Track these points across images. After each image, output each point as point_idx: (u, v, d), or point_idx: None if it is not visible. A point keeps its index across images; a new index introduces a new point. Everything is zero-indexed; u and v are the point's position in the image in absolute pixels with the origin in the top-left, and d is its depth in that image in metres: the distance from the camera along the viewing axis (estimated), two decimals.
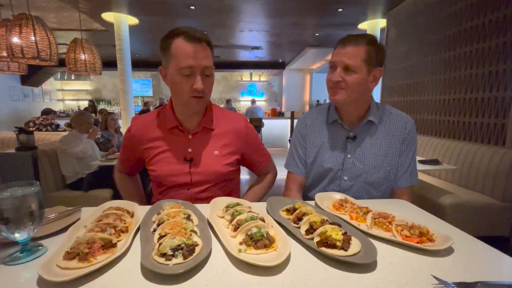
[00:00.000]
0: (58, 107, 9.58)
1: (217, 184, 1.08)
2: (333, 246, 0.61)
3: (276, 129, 8.08)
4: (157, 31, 5.46)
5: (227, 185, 1.12)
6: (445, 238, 0.64)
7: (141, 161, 1.14)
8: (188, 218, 0.76)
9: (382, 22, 4.79)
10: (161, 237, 0.63)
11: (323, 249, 0.61)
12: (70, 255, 0.56)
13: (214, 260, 0.60)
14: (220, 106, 1.22)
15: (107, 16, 4.66)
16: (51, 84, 9.47)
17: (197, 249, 0.60)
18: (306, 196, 1.21)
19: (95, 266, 0.53)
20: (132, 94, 5.16)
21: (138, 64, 8.42)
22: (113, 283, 0.52)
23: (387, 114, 1.09)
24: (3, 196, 0.57)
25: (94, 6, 4.27)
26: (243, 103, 10.88)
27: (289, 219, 0.78)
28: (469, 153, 2.54)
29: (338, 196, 0.96)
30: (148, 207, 0.86)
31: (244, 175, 4.26)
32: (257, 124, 7.16)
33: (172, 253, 0.57)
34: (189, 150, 1.05)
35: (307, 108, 10.07)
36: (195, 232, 0.67)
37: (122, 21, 4.72)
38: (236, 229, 0.69)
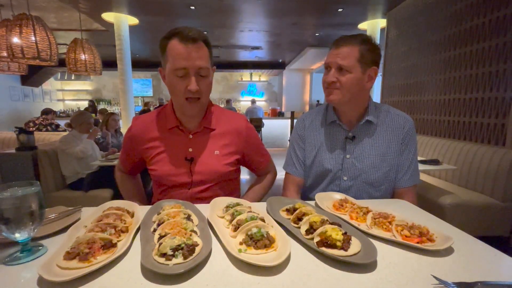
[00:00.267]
0: (58, 107, 9.58)
1: (218, 183, 1.08)
2: (333, 246, 0.61)
3: (276, 129, 8.08)
4: (157, 31, 5.47)
5: (227, 184, 1.12)
6: (445, 238, 0.64)
7: (142, 161, 1.14)
8: (188, 218, 0.76)
9: (382, 22, 4.79)
10: (161, 237, 0.63)
11: (323, 249, 0.61)
12: (70, 255, 0.56)
13: (214, 260, 0.60)
14: (220, 106, 1.22)
15: (107, 16, 4.67)
16: (51, 84, 9.47)
17: (197, 249, 0.60)
18: (306, 197, 1.20)
19: (95, 266, 0.53)
20: (132, 94, 5.17)
21: (138, 64, 8.42)
22: (113, 283, 0.52)
23: (386, 114, 1.09)
24: (4, 196, 0.57)
25: (94, 6, 4.28)
26: (243, 103, 10.88)
27: (289, 219, 0.78)
28: (469, 153, 2.54)
29: (338, 196, 0.96)
30: (148, 207, 0.86)
31: (244, 175, 4.25)
32: (257, 124, 7.16)
33: (172, 253, 0.57)
34: (190, 150, 1.05)
35: (307, 108, 10.07)
36: (195, 232, 0.67)
37: (122, 21, 4.72)
38: (236, 229, 0.69)
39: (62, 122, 5.28)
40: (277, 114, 9.13)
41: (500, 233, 2.27)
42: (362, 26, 5.13)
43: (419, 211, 0.90)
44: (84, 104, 9.45)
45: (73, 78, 9.88)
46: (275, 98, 11.25)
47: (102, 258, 0.57)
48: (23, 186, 0.61)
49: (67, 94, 10.14)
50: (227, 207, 0.84)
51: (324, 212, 0.82)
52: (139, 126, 1.09)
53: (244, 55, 8.45)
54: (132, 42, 5.19)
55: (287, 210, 0.84)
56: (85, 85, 10.21)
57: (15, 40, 2.42)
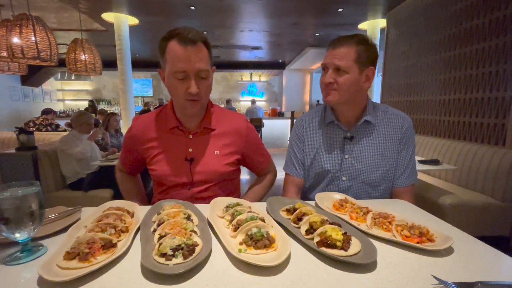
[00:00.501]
0: (58, 107, 9.59)
1: (218, 183, 1.08)
2: (333, 246, 0.61)
3: (276, 129, 8.08)
4: (157, 31, 5.47)
5: (227, 184, 1.12)
6: (445, 238, 0.64)
7: (142, 161, 1.14)
8: (188, 218, 0.76)
9: (382, 22, 4.79)
10: (161, 237, 0.63)
11: (323, 249, 0.61)
12: (70, 255, 0.56)
13: (214, 260, 0.60)
14: (220, 106, 1.22)
15: (107, 16, 4.67)
16: (51, 84, 9.47)
17: (197, 249, 0.60)
18: (306, 197, 1.20)
19: (95, 266, 0.54)
20: (132, 94, 5.16)
21: (138, 64, 8.42)
22: (113, 283, 0.52)
23: (384, 114, 1.09)
24: (4, 196, 0.57)
25: (94, 6, 4.28)
26: (243, 103, 10.88)
27: (289, 219, 0.78)
28: (469, 153, 2.54)
29: (338, 196, 0.96)
30: (148, 207, 0.86)
31: (244, 175, 4.26)
32: (257, 124, 7.17)
33: (172, 253, 0.57)
34: (190, 150, 1.05)
35: (307, 108, 10.07)
36: (195, 232, 0.67)
37: (122, 21, 4.72)
38: (236, 229, 0.69)
39: (62, 122, 5.29)
40: (277, 114, 9.13)
41: (500, 233, 2.27)
42: (362, 26, 5.13)
43: (419, 211, 0.90)
44: (84, 104, 9.46)
45: (73, 78, 9.88)
46: (275, 98, 11.25)
47: (102, 258, 0.57)
48: (23, 186, 0.61)
49: (67, 94, 10.14)
50: (227, 207, 0.84)
51: (324, 212, 0.82)
52: (139, 126, 1.09)
53: (244, 55, 8.45)
54: (132, 42, 5.19)
55: (287, 210, 0.84)
56: (85, 85, 10.21)
57: (15, 40, 2.42)
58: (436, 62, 3.21)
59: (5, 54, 2.63)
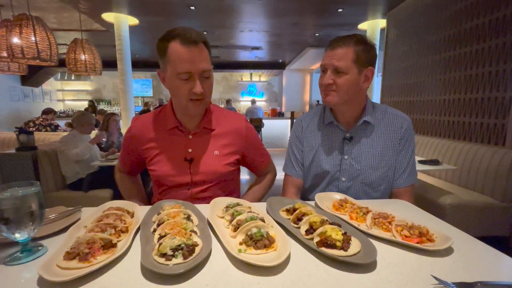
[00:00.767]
0: (58, 107, 9.58)
1: (217, 184, 1.08)
2: (333, 246, 0.61)
3: (276, 129, 8.08)
4: (157, 31, 5.47)
5: (227, 185, 1.12)
6: (445, 238, 0.64)
7: (141, 162, 1.14)
8: (188, 218, 0.76)
9: (382, 22, 4.79)
10: (161, 237, 0.63)
11: (323, 249, 0.61)
12: (70, 255, 0.56)
13: (214, 260, 0.60)
14: (220, 106, 1.22)
15: (107, 16, 4.67)
16: (51, 84, 9.47)
17: (197, 249, 0.60)
18: (305, 198, 1.20)
19: (95, 266, 0.54)
20: (132, 94, 5.16)
21: (138, 64, 8.43)
22: (113, 283, 0.52)
23: (383, 114, 1.09)
24: (4, 196, 0.57)
25: (94, 7, 4.28)
26: (243, 103, 10.88)
27: (289, 219, 0.78)
28: (469, 153, 2.54)
29: (338, 196, 0.96)
30: (148, 207, 0.86)
31: (244, 175, 4.26)
32: (257, 124, 7.16)
33: (172, 253, 0.57)
34: (189, 150, 1.05)
35: (307, 108, 10.07)
36: (195, 232, 0.68)
37: (122, 21, 4.72)
38: (236, 229, 0.69)
39: (62, 123, 5.29)
40: (277, 114, 9.13)
41: (500, 233, 2.27)
42: (362, 26, 5.13)
43: (419, 211, 0.90)
44: (84, 104, 9.45)
45: (73, 78, 9.88)
46: (275, 98, 11.25)
47: (102, 258, 0.57)
48: (23, 186, 0.61)
49: (67, 94, 10.14)
50: (227, 207, 0.84)
51: (324, 212, 0.82)
52: (139, 127, 1.09)
53: (244, 55, 8.45)
54: (132, 42, 5.19)
55: (287, 210, 0.84)
56: (85, 85, 10.21)
57: (15, 40, 2.42)
58: (436, 62, 3.21)
59: (5, 54, 2.63)
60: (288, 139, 1.26)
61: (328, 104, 1.05)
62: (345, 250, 0.60)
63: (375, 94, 5.70)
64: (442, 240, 0.64)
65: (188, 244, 0.59)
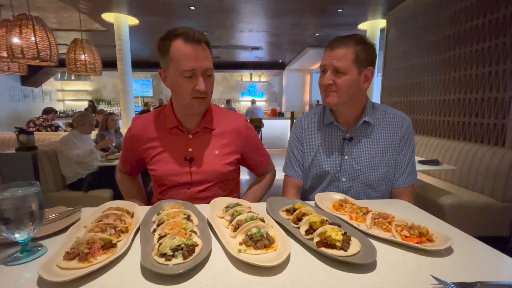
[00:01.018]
0: (58, 107, 9.57)
1: (217, 183, 1.08)
2: (333, 246, 0.61)
3: (276, 129, 8.08)
4: (157, 31, 5.47)
5: (227, 184, 1.12)
6: (445, 238, 0.64)
7: (142, 161, 1.14)
8: (188, 218, 0.76)
9: (382, 23, 4.79)
10: (161, 237, 0.63)
11: (323, 249, 0.61)
12: (70, 255, 0.56)
13: (214, 260, 0.60)
14: (220, 106, 1.22)
15: (107, 16, 4.67)
16: (51, 84, 9.47)
17: (197, 249, 0.60)
18: (305, 199, 1.20)
19: (95, 266, 0.54)
20: (132, 95, 5.16)
21: (138, 64, 8.42)
22: (113, 283, 0.52)
23: (383, 114, 1.09)
24: (3, 196, 0.57)
25: (94, 7, 4.28)
26: (243, 103, 10.88)
27: (289, 219, 0.78)
28: (469, 153, 2.54)
29: (337, 196, 0.96)
30: (148, 207, 0.86)
31: (244, 175, 4.26)
32: (257, 124, 7.16)
33: (172, 253, 0.57)
34: (190, 149, 1.05)
35: (307, 108, 10.07)
36: (195, 232, 0.68)
37: (122, 21, 4.72)
38: (236, 229, 0.69)
39: (61, 123, 5.28)
40: (277, 114, 9.13)
41: (500, 233, 2.27)
42: (362, 26, 5.13)
43: (418, 211, 0.90)
44: (84, 104, 9.45)
45: (73, 78, 9.87)
46: (275, 98, 11.25)
47: (102, 258, 0.57)
48: (23, 186, 0.61)
49: (67, 94, 10.14)
50: (227, 207, 0.84)
51: (324, 212, 0.82)
52: (139, 127, 1.10)
53: (244, 56, 8.45)
54: (132, 42, 5.19)
55: (287, 211, 0.84)
56: (85, 85, 10.21)
57: (15, 40, 2.42)
58: (436, 62, 3.21)
59: (5, 54, 2.63)
60: (288, 139, 1.26)
61: (328, 105, 1.05)
62: (345, 250, 0.60)
63: (375, 94, 5.70)
64: (442, 240, 0.64)
65: (188, 244, 0.59)
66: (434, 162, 2.40)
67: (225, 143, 1.08)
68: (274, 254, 0.61)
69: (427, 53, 3.36)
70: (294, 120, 1.51)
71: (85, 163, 2.73)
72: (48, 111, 4.91)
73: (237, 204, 0.84)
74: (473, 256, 0.61)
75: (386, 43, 4.27)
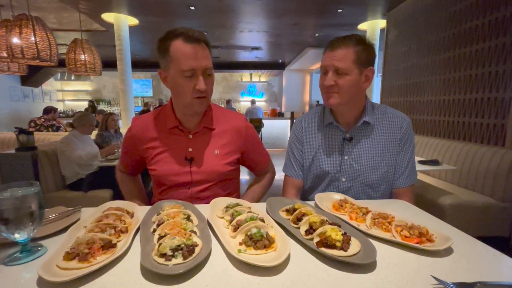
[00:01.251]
0: (58, 107, 9.52)
1: (218, 183, 1.08)
2: (333, 247, 0.61)
3: (276, 129, 8.09)
4: (157, 31, 5.46)
5: (227, 184, 1.12)
6: (445, 238, 0.64)
7: (142, 161, 1.14)
8: (188, 218, 0.76)
9: (382, 23, 4.79)
10: (161, 237, 0.63)
11: (323, 249, 0.61)
12: (70, 256, 0.56)
13: (214, 260, 0.60)
14: (220, 106, 1.22)
15: (107, 16, 4.67)
16: (51, 84, 9.47)
17: (197, 250, 0.60)
18: (305, 199, 1.20)
19: (95, 267, 0.54)
20: (132, 95, 5.16)
21: (138, 65, 8.42)
22: (113, 283, 0.52)
23: (383, 114, 1.09)
24: (3, 197, 0.57)
25: (94, 7, 4.28)
26: (243, 103, 10.88)
27: (289, 219, 0.78)
28: (469, 154, 2.54)
29: (337, 196, 0.96)
30: (148, 207, 0.86)
31: (244, 175, 4.26)
32: (257, 124, 7.16)
33: (172, 253, 0.57)
34: (190, 149, 1.05)
35: (307, 108, 10.07)
36: (194, 232, 0.68)
37: (122, 21, 4.72)
38: (235, 229, 0.69)
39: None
40: (277, 114, 9.12)
41: (500, 233, 2.27)
42: (362, 26, 5.13)
43: (418, 211, 0.90)
44: (84, 105, 9.44)
45: (73, 78, 9.87)
46: (275, 98, 11.25)
47: (101, 259, 0.57)
48: (23, 186, 0.61)
49: (67, 94, 10.13)
50: (227, 207, 0.84)
51: (324, 212, 0.82)
52: (139, 127, 1.10)
53: (244, 56, 8.44)
54: (132, 43, 5.19)
55: (287, 211, 0.84)
56: (85, 85, 10.21)
57: (15, 40, 2.42)
58: (436, 62, 3.21)
59: (5, 54, 2.62)
60: (288, 139, 1.26)
61: (330, 106, 1.05)
62: (345, 250, 0.60)
63: (375, 94, 5.70)
64: (442, 240, 0.64)
65: (188, 244, 0.59)
66: (434, 162, 2.40)
67: (225, 143, 1.08)
68: (274, 254, 0.61)
69: (427, 53, 3.36)
70: (294, 120, 1.51)
71: (85, 163, 2.73)
72: (48, 110, 4.90)
73: (237, 204, 0.84)
74: (473, 256, 0.61)
75: (386, 43, 4.27)
